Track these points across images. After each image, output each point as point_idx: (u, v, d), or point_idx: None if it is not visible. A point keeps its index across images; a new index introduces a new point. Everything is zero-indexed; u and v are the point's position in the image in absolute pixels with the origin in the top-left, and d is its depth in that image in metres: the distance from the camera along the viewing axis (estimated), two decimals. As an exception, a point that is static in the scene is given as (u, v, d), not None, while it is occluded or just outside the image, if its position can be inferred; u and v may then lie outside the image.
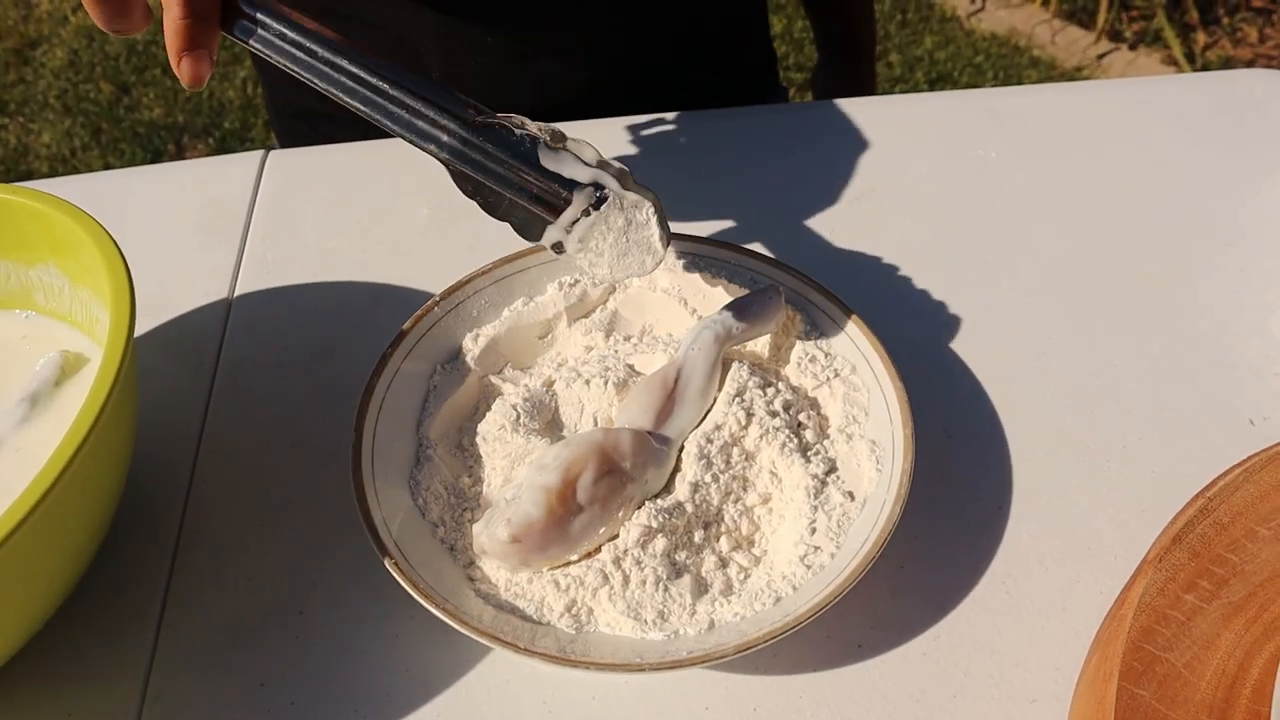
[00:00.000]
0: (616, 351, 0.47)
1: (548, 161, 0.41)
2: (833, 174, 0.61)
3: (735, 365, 0.45)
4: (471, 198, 0.42)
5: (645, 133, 0.64)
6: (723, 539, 0.41)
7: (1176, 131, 0.63)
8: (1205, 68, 1.93)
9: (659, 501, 0.41)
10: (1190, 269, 0.55)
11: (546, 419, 0.44)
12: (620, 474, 0.40)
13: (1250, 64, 1.95)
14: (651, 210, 0.42)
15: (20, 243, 0.46)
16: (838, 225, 0.57)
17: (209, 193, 0.62)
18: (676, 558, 0.40)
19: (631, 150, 0.63)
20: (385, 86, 0.41)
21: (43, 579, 0.38)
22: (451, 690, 0.40)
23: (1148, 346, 0.51)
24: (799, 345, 0.46)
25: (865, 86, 0.91)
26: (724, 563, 0.41)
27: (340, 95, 0.41)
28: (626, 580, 0.39)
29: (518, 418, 0.43)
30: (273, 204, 0.61)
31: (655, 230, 0.42)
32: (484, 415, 0.45)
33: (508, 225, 0.43)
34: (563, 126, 0.64)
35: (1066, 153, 0.62)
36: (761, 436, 0.43)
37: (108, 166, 1.83)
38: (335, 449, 0.47)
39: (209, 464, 0.48)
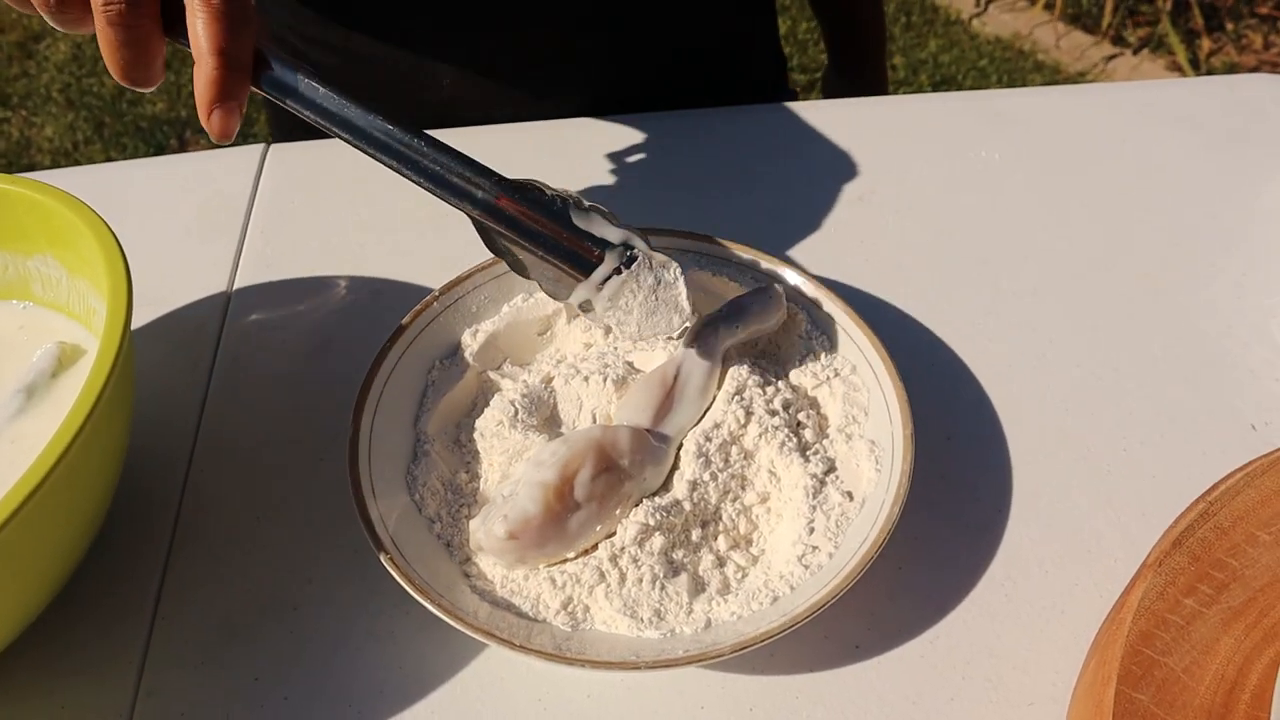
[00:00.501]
0: (616, 348, 0.47)
1: (579, 221, 0.42)
2: (834, 174, 0.60)
3: (735, 364, 0.44)
4: (499, 256, 0.42)
5: (645, 132, 0.63)
6: (720, 538, 0.41)
7: (1179, 135, 0.63)
8: (1209, 74, 1.93)
9: (657, 499, 0.41)
10: (1192, 272, 0.54)
11: (545, 415, 0.44)
12: (618, 471, 0.40)
13: (1255, 70, 1.95)
14: (679, 270, 0.43)
15: (18, 233, 0.46)
16: (839, 225, 0.57)
17: (209, 186, 0.62)
18: (674, 556, 0.40)
19: (631, 149, 0.62)
20: (418, 143, 0.40)
21: (36, 572, 0.37)
22: (446, 687, 0.39)
23: (1149, 349, 0.51)
24: (799, 344, 0.46)
25: (874, 89, 0.91)
26: (721, 562, 0.40)
27: (373, 150, 0.40)
28: (623, 578, 0.39)
29: (516, 414, 0.43)
30: (273, 198, 0.61)
31: (683, 289, 0.43)
32: (482, 411, 0.44)
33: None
34: (563, 125, 0.64)
35: (1069, 155, 0.62)
36: (760, 435, 0.42)
37: (110, 160, 1.83)
38: (332, 443, 0.46)
39: (206, 457, 0.47)
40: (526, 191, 0.41)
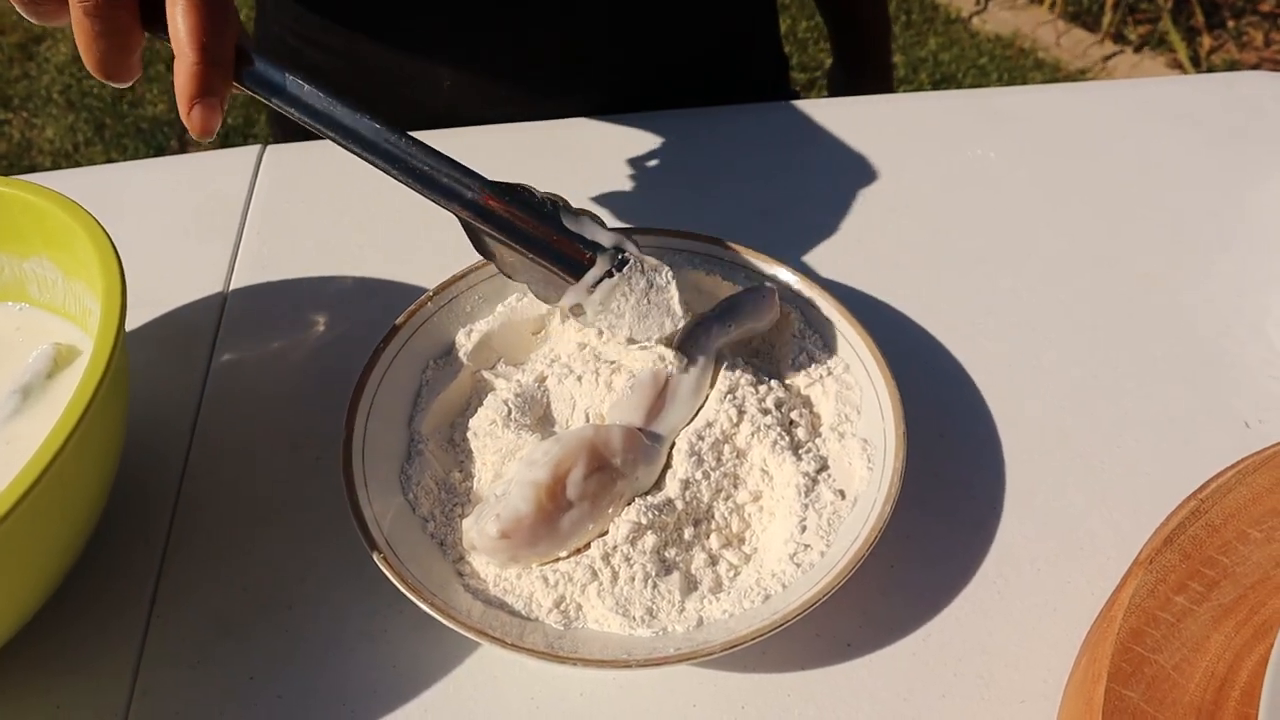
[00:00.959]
0: (610, 348, 0.47)
1: (570, 225, 0.42)
2: (831, 172, 0.60)
3: (727, 362, 0.44)
4: (488, 259, 0.42)
5: (643, 131, 0.63)
6: (713, 536, 0.41)
7: (1177, 133, 0.63)
8: (1210, 71, 1.93)
9: (649, 498, 0.41)
10: (1189, 270, 0.54)
11: (538, 414, 0.44)
12: (610, 470, 0.40)
13: (1255, 68, 1.94)
14: (670, 274, 0.43)
15: (14, 235, 0.46)
16: (835, 223, 0.57)
17: (206, 187, 0.62)
18: (666, 554, 0.40)
19: (628, 147, 0.63)
20: (405, 143, 0.40)
21: (31, 571, 0.38)
22: (439, 685, 0.39)
23: (1145, 347, 0.51)
24: (792, 342, 0.46)
25: (879, 86, 0.90)
26: (713, 560, 0.41)
27: (360, 149, 0.40)
28: (615, 576, 0.39)
29: (509, 413, 0.43)
30: (269, 198, 0.61)
31: (674, 293, 0.43)
32: (476, 411, 0.45)
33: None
34: (562, 125, 0.64)
35: (1066, 153, 0.62)
36: (753, 434, 0.43)
37: (110, 162, 1.83)
38: (327, 443, 0.46)
39: (201, 458, 0.47)
40: (516, 193, 0.41)
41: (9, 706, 0.39)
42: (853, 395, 0.45)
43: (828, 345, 0.46)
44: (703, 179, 0.60)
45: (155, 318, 0.54)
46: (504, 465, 0.42)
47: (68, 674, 0.40)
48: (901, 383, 0.43)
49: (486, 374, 0.47)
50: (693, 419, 0.43)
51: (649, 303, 0.42)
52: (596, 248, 0.42)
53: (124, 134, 1.93)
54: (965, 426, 0.47)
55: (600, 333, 0.47)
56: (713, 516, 0.41)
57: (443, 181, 0.40)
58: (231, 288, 0.55)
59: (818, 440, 0.44)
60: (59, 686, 0.40)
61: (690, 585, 0.40)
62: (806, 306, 0.47)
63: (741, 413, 0.43)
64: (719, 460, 0.42)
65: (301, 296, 0.55)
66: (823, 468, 0.43)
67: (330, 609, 0.42)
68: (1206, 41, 1.99)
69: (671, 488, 0.41)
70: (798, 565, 0.40)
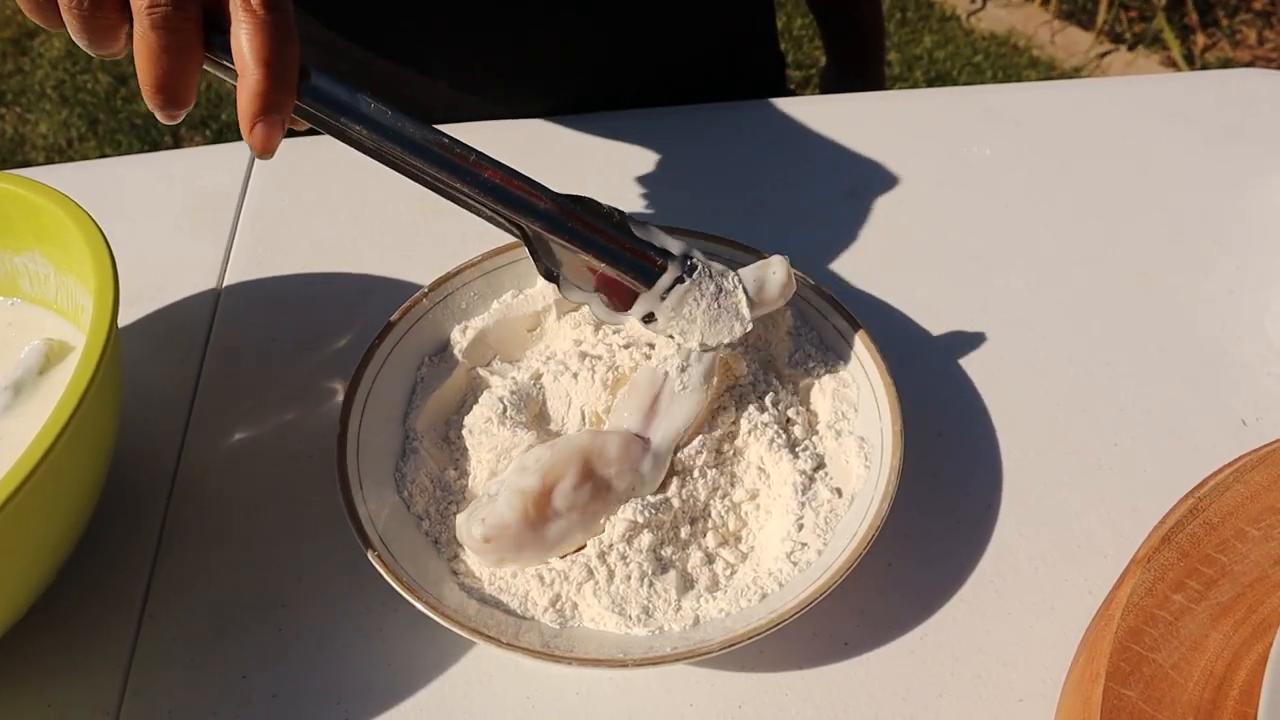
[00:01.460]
0: (606, 345, 0.46)
1: (639, 233, 0.41)
2: (827, 169, 0.60)
3: (724, 359, 0.44)
4: (550, 279, 0.41)
5: (639, 126, 0.63)
6: (709, 535, 0.41)
7: (1173, 130, 0.62)
8: (1204, 69, 1.93)
9: (646, 496, 0.40)
10: (1186, 268, 0.54)
11: (534, 412, 0.44)
12: (601, 482, 0.40)
13: (1249, 66, 1.95)
14: (737, 279, 0.42)
15: (6, 230, 0.46)
16: (831, 220, 0.57)
17: (200, 182, 0.61)
18: (662, 553, 0.40)
19: (626, 144, 0.62)
20: (474, 156, 0.38)
21: (22, 569, 0.37)
22: (434, 684, 0.39)
23: (1142, 345, 0.51)
24: (789, 340, 0.46)
25: (872, 87, 0.90)
26: (710, 559, 0.40)
27: (430, 166, 0.38)
28: (611, 575, 0.39)
29: (504, 410, 0.43)
30: (263, 194, 0.60)
31: (742, 297, 0.42)
32: (471, 408, 0.44)
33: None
34: (561, 122, 0.64)
35: (1063, 151, 0.61)
36: (750, 432, 0.42)
37: (104, 158, 1.82)
38: (321, 441, 0.46)
39: (194, 455, 0.47)
40: (584, 203, 0.40)
41: (1, 705, 0.39)
42: (850, 393, 0.44)
43: (825, 342, 0.46)
44: (700, 176, 0.60)
45: (148, 314, 0.54)
46: (499, 463, 0.42)
47: (60, 671, 0.40)
48: (899, 380, 0.43)
49: (482, 371, 0.46)
50: (704, 414, 0.43)
51: (719, 307, 0.42)
52: (667, 255, 0.41)
53: (117, 129, 1.92)
54: (963, 424, 0.47)
55: (597, 328, 0.47)
56: (709, 515, 0.41)
57: (515, 194, 0.39)
58: (225, 284, 0.55)
59: (815, 438, 0.43)
60: (51, 685, 0.40)
61: (687, 584, 0.39)
62: (803, 303, 0.47)
63: (738, 410, 0.43)
64: (715, 458, 0.42)
65: (295, 293, 0.54)
66: (820, 466, 0.42)
67: (324, 607, 0.42)
68: (1200, 39, 1.99)
69: (668, 486, 0.41)
70: (795, 564, 0.39)
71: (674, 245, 0.42)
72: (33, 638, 0.40)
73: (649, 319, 0.42)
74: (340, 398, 0.42)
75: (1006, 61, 1.99)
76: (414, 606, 0.37)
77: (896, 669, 0.39)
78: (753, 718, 0.38)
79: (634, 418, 0.42)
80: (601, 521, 0.40)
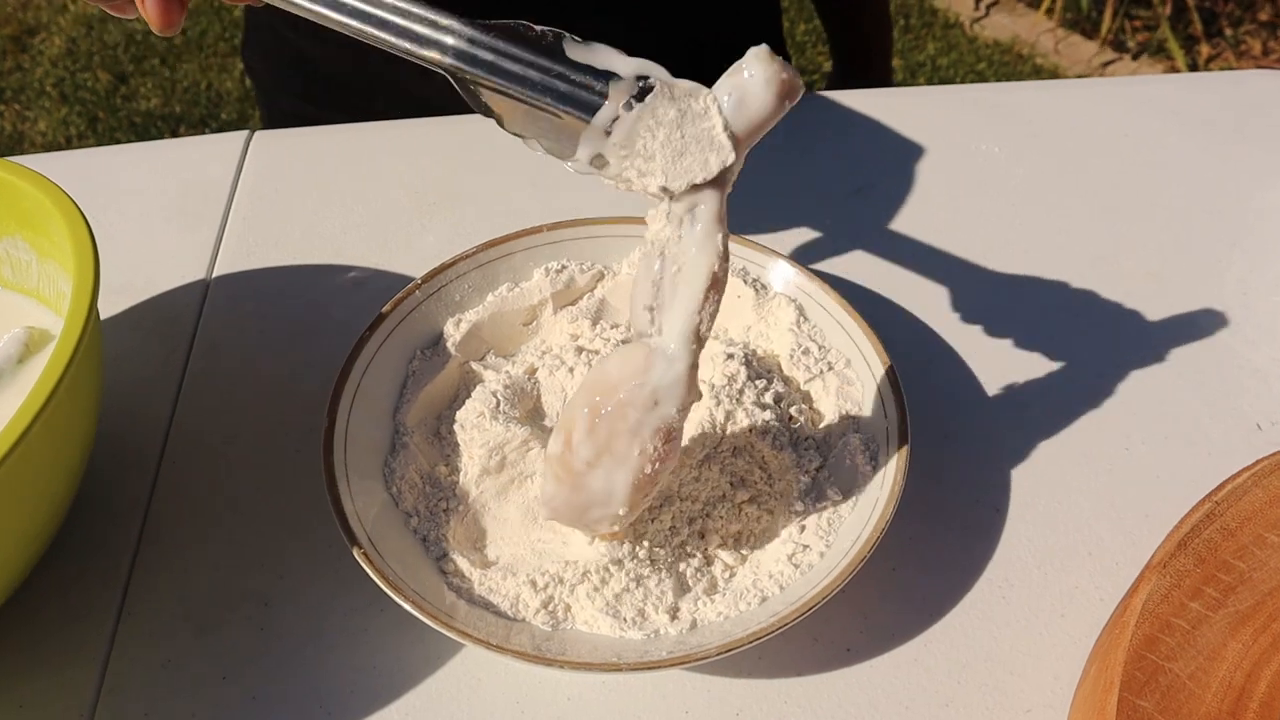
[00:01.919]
0: (604, 340, 0.45)
1: (577, 55, 0.33)
2: (833, 166, 0.59)
3: (725, 356, 0.43)
4: (488, 115, 0.34)
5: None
6: (708, 536, 0.39)
7: (1180, 130, 0.61)
8: (1209, 79, 1.92)
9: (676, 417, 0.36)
10: (1197, 269, 0.53)
11: (528, 407, 0.42)
12: (616, 410, 0.34)
13: (1255, 76, 1.93)
14: (712, 98, 0.33)
15: (-13, 214, 0.44)
16: (837, 218, 0.56)
17: (192, 173, 0.60)
18: (659, 555, 0.38)
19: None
20: None
21: (-6, 562, 0.36)
22: (421, 687, 0.38)
23: (1152, 347, 0.49)
24: (792, 337, 0.45)
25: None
26: (709, 560, 0.39)
27: (325, 10, 0.34)
28: (606, 577, 0.37)
29: (497, 405, 0.41)
30: (255, 185, 0.59)
31: (717, 121, 0.33)
32: (464, 403, 0.43)
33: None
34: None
35: (1071, 150, 0.60)
36: (751, 430, 0.41)
37: (102, 155, 1.81)
38: (309, 435, 0.45)
39: (178, 448, 0.46)
40: (507, 30, 0.34)
41: (-31, 704, 0.38)
42: (854, 391, 0.43)
43: (828, 339, 0.45)
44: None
45: (136, 304, 0.52)
46: (490, 459, 0.41)
47: (34, 669, 0.39)
48: (904, 380, 0.42)
49: (475, 365, 0.45)
50: (722, 289, 0.35)
51: (684, 136, 0.33)
52: (610, 77, 0.33)
53: (117, 128, 1.91)
54: (969, 425, 0.46)
55: (594, 322, 0.45)
56: (709, 516, 0.40)
57: (417, 30, 0.33)
58: (214, 275, 0.54)
59: (818, 437, 0.42)
60: (24, 683, 0.38)
61: (684, 587, 0.38)
62: (808, 300, 0.46)
63: (740, 407, 0.41)
64: (716, 457, 0.40)
65: (285, 284, 0.53)
66: (823, 466, 0.41)
67: (308, 606, 0.40)
68: (1205, 49, 1.99)
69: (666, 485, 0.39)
70: (796, 566, 0.38)
71: (623, 65, 0.33)
72: (5, 634, 0.39)
73: (599, 162, 0.34)
74: (328, 391, 0.41)
75: (1010, 69, 1.98)
76: (401, 606, 0.35)
77: (900, 677, 0.38)
78: (751, 726, 0.37)
79: (638, 321, 0.35)
80: (651, 449, 0.34)
